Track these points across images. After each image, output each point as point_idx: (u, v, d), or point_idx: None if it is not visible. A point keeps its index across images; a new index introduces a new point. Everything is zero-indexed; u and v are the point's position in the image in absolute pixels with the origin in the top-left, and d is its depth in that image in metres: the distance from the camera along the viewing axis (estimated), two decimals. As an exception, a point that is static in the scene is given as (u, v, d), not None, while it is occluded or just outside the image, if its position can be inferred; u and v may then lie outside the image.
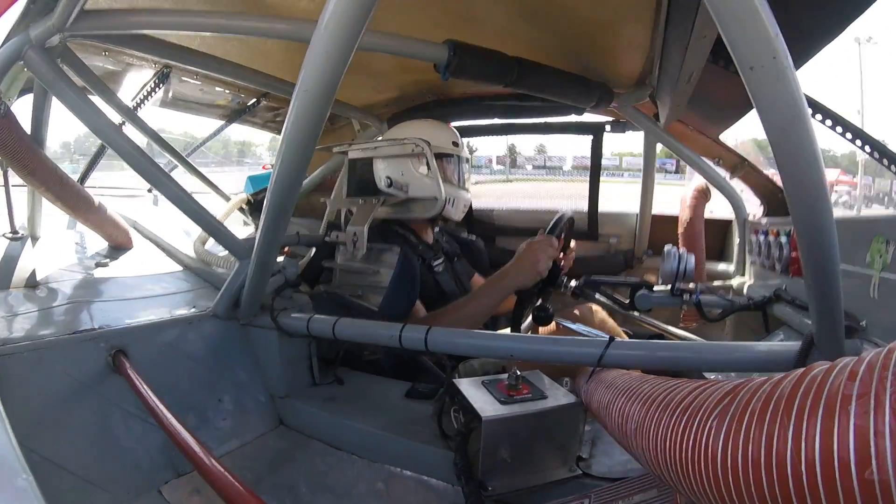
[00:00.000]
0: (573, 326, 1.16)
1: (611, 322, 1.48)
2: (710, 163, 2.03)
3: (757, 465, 0.39)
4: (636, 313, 1.74)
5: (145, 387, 0.99)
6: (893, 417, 0.30)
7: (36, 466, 0.75)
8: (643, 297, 1.55)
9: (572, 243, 1.76)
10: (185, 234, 2.18)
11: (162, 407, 0.93)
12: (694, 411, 0.50)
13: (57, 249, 1.73)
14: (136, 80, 1.89)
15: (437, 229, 1.89)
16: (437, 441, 1.07)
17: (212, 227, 1.34)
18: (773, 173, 1.95)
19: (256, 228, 1.27)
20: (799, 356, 0.81)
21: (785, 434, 0.37)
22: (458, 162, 1.73)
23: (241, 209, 2.56)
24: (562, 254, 1.65)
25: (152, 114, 2.08)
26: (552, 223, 1.61)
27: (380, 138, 1.83)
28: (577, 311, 1.50)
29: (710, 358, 0.91)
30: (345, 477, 1.10)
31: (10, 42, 1.17)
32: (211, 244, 1.95)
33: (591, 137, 2.39)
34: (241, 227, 2.69)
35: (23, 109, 1.42)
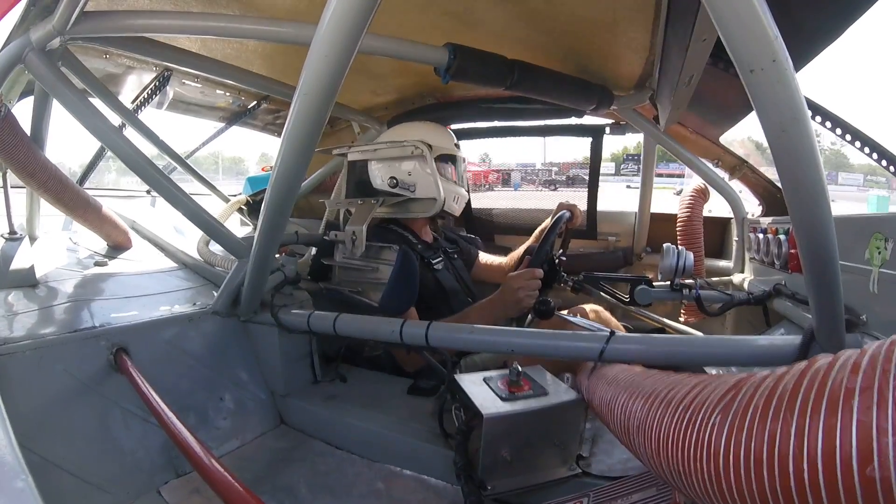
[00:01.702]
0: (574, 320, 1.16)
1: (615, 322, 1.48)
2: (710, 164, 2.04)
3: (759, 463, 0.39)
4: (636, 308, 1.74)
5: (146, 385, 0.99)
6: None
7: (36, 467, 0.75)
8: (643, 291, 1.55)
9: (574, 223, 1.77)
10: (183, 234, 2.18)
11: (163, 405, 0.93)
12: (696, 408, 0.50)
13: (55, 249, 1.73)
14: (136, 82, 1.89)
15: (440, 224, 1.91)
16: (437, 440, 1.07)
17: (211, 227, 1.35)
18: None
19: (255, 229, 1.27)
20: (800, 350, 0.81)
21: (788, 431, 0.37)
22: (458, 162, 1.76)
23: (239, 210, 2.56)
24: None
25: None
26: (550, 225, 1.62)
27: (378, 140, 1.84)
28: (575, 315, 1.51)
29: (712, 352, 0.91)
30: (344, 476, 1.10)
31: (12, 45, 1.18)
32: (215, 244, 1.95)
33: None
34: (239, 228, 2.69)
35: (25, 112, 1.43)
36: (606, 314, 1.46)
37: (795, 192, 0.68)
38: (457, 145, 1.76)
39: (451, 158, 1.73)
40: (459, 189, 1.74)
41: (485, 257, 2.04)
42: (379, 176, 1.70)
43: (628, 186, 13.35)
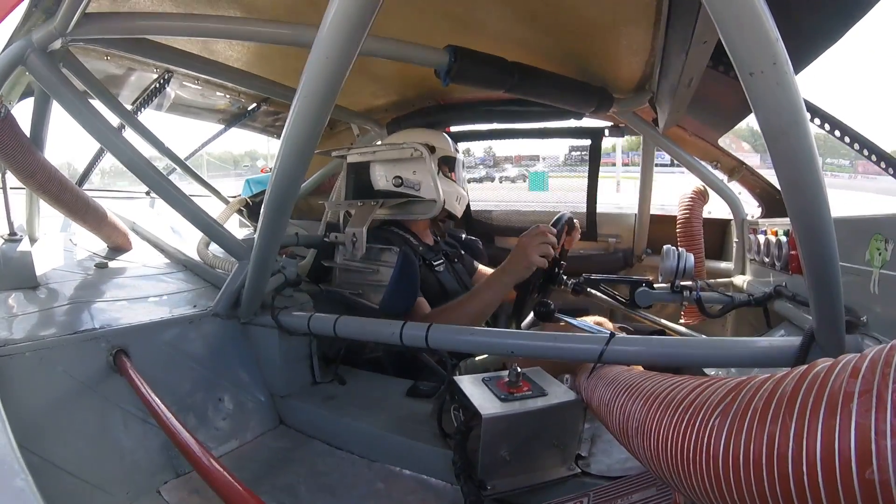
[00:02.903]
0: (575, 322, 1.16)
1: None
2: (708, 166, 2.05)
3: (758, 464, 0.39)
4: (636, 310, 1.74)
5: (146, 386, 0.99)
6: (894, 416, 0.31)
7: (36, 467, 0.75)
8: (643, 293, 1.54)
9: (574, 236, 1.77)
10: (183, 235, 2.18)
11: (162, 407, 0.93)
12: (696, 410, 0.50)
13: (56, 251, 1.73)
14: (137, 84, 1.89)
15: (442, 225, 1.92)
16: (436, 440, 1.07)
17: (211, 229, 1.35)
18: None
19: (255, 230, 1.27)
20: (800, 351, 0.81)
21: (787, 433, 0.37)
22: (457, 163, 1.79)
23: (239, 211, 2.56)
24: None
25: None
26: (551, 224, 1.62)
27: (379, 142, 1.85)
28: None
29: (712, 353, 0.91)
30: (344, 477, 1.10)
31: (13, 46, 1.18)
32: (215, 246, 1.95)
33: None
34: (238, 229, 2.69)
35: (25, 113, 1.43)
36: (610, 325, 1.45)
37: (794, 195, 0.68)
38: (455, 149, 1.78)
39: (450, 160, 1.75)
40: (460, 189, 1.76)
41: (484, 269, 2.04)
42: (381, 177, 1.70)
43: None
